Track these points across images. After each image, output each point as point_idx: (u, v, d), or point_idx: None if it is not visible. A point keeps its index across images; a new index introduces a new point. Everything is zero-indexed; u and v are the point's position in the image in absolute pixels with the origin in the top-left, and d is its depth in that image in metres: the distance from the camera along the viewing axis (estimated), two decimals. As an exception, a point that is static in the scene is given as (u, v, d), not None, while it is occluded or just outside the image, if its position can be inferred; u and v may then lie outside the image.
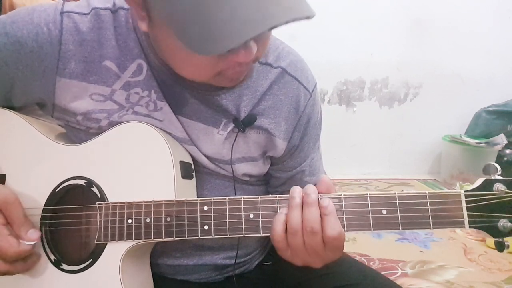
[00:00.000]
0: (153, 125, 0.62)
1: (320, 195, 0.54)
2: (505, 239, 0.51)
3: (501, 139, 2.40)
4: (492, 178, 0.52)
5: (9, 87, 0.61)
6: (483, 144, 2.43)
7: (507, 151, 2.46)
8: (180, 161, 0.61)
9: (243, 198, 0.56)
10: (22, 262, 0.58)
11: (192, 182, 0.65)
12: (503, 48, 2.65)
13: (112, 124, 0.62)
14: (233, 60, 0.50)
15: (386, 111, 2.73)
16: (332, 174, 2.60)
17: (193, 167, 0.65)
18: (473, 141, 2.47)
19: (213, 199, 0.57)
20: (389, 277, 0.73)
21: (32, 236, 0.57)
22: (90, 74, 0.60)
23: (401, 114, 2.73)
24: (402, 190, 2.62)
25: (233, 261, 0.71)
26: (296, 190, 0.54)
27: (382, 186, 2.54)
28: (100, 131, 0.62)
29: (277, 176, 0.74)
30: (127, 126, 0.61)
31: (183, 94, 0.63)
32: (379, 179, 2.67)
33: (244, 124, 0.65)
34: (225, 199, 0.56)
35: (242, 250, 0.73)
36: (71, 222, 0.61)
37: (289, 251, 0.54)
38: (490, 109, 2.58)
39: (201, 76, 0.55)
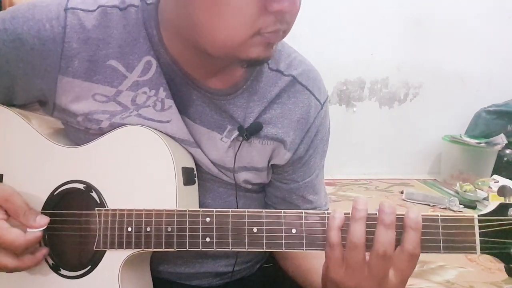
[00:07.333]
0: (155, 128, 0.60)
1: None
2: None
3: (501, 139, 2.40)
4: (507, 202, 0.50)
5: (10, 85, 0.59)
6: (483, 144, 2.44)
7: (507, 151, 2.46)
8: (182, 167, 0.59)
9: (247, 211, 0.53)
10: (31, 256, 0.56)
11: (194, 187, 0.63)
12: (503, 48, 2.66)
13: (113, 126, 0.60)
14: (277, 7, 0.47)
15: (386, 111, 2.73)
16: (332, 174, 2.60)
17: (195, 172, 0.63)
18: (473, 141, 2.47)
19: (216, 211, 0.54)
20: (389, 277, 0.73)
21: (41, 222, 0.55)
22: (94, 74, 0.58)
23: (401, 114, 2.73)
24: (402, 191, 2.60)
25: (233, 268, 0.70)
26: (361, 202, 0.49)
27: (382, 186, 2.54)
28: (100, 132, 0.61)
29: (276, 185, 0.70)
30: (128, 129, 0.60)
31: (190, 95, 0.61)
32: (379, 179, 2.67)
33: (249, 132, 0.62)
34: (228, 211, 0.54)
35: (243, 258, 0.72)
36: (69, 227, 0.59)
37: (343, 268, 0.49)
38: (490, 109, 2.58)
39: (238, 35, 0.50)
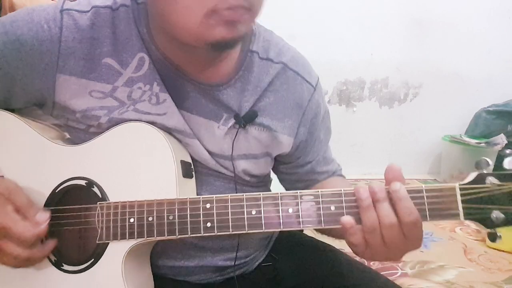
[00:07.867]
0: (153, 121, 0.62)
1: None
2: (498, 230, 0.52)
3: (501, 139, 2.40)
4: (485, 172, 0.53)
5: (10, 86, 0.61)
6: (483, 144, 2.43)
7: (507, 151, 2.46)
8: (181, 160, 0.61)
9: (245, 195, 0.56)
10: (41, 248, 0.58)
11: (192, 181, 0.65)
12: (503, 48, 2.65)
13: (111, 121, 0.62)
14: None
15: (386, 111, 2.73)
16: (332, 174, 2.60)
17: (192, 167, 0.65)
18: (473, 141, 2.47)
19: (216, 197, 0.57)
20: (389, 277, 0.73)
21: (41, 219, 0.57)
22: (90, 71, 0.61)
23: (401, 114, 2.73)
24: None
25: (233, 262, 0.71)
26: (362, 191, 0.53)
27: (382, 186, 2.54)
28: (99, 129, 0.62)
29: (293, 172, 0.75)
30: (127, 126, 0.61)
31: (185, 87, 0.64)
32: (379, 179, 2.66)
33: (245, 120, 0.65)
34: (228, 196, 0.57)
35: (243, 252, 0.73)
36: (71, 222, 0.60)
37: (369, 250, 0.54)
38: (490, 109, 2.57)
39: (193, 16, 0.52)
